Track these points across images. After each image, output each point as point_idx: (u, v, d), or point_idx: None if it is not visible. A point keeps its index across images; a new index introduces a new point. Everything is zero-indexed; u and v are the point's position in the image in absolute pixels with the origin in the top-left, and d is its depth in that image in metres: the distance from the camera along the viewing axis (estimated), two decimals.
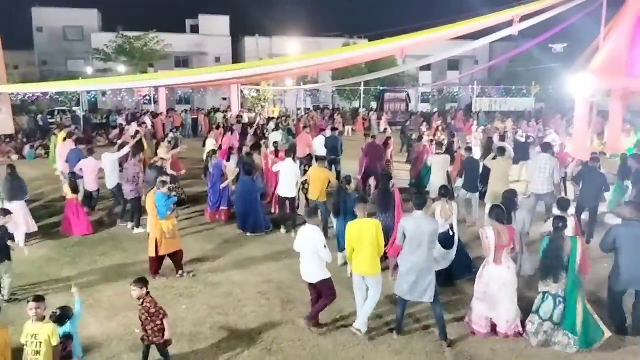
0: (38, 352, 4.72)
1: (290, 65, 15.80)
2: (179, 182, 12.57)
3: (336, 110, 36.58)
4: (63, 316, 5.04)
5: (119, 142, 14.17)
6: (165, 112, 27.78)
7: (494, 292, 6.17)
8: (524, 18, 14.28)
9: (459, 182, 11.82)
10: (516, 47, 26.39)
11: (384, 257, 7.13)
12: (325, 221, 9.63)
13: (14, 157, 19.83)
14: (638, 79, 14.05)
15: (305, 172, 11.93)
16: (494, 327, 6.32)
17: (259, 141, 13.99)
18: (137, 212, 10.59)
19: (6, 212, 7.41)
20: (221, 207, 11.32)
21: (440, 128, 20.34)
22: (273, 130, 17.73)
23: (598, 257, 7.83)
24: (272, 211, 11.60)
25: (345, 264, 7.76)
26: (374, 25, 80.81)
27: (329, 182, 9.72)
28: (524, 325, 6.27)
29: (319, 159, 11.09)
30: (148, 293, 5.34)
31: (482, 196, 10.95)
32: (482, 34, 15.77)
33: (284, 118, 25.07)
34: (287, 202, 10.55)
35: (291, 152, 11.21)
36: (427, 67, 46.69)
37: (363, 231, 6.19)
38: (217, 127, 18.81)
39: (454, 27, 13.62)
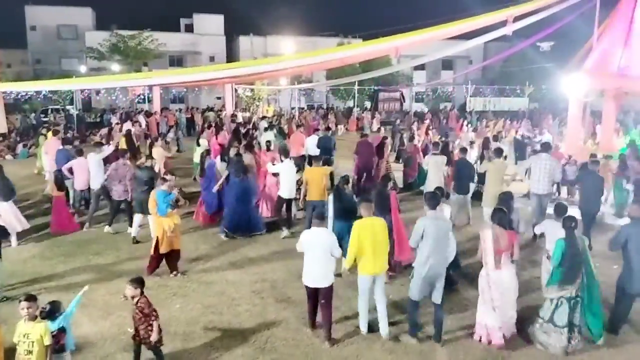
0: (30, 352, 4.69)
1: (284, 65, 15.82)
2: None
3: (330, 110, 36.61)
4: (53, 311, 5.01)
5: (112, 142, 14.10)
6: (160, 111, 27.75)
7: (495, 298, 6.05)
8: (517, 18, 14.35)
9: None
10: (510, 47, 26.51)
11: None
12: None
13: (8, 156, 19.72)
14: (631, 79, 14.14)
15: (298, 170, 11.76)
16: (490, 335, 6.14)
17: (251, 141, 13.73)
18: (128, 212, 10.37)
19: None
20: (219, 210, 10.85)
21: (429, 127, 20.41)
22: (265, 130, 17.63)
23: (601, 258, 7.84)
24: (261, 212, 11.28)
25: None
26: (368, 25, 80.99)
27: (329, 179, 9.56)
28: (519, 330, 6.22)
29: (313, 159, 11.00)
30: (142, 293, 5.33)
31: (479, 197, 10.90)
32: (476, 33, 15.84)
33: (274, 117, 25.05)
34: (287, 203, 10.42)
35: (287, 153, 11.04)
36: (421, 67, 46.92)
37: (375, 230, 6.11)
38: (209, 127, 18.66)
39: (448, 26, 13.68)
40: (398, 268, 8.05)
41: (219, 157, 12.09)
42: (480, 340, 6.19)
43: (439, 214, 6.14)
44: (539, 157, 10.37)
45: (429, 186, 10.71)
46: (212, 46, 46.77)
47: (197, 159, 14.55)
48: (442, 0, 40.83)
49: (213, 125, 19.22)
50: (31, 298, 4.84)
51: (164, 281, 7.97)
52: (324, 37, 46.46)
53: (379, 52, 18.94)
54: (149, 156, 11.45)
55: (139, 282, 5.31)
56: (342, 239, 7.21)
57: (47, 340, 4.72)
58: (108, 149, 11.32)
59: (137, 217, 9.84)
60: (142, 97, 33.74)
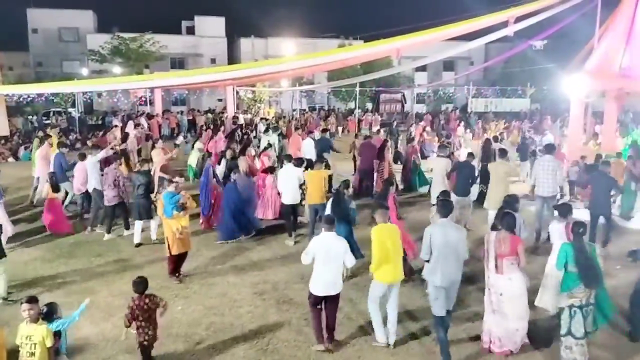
0: (33, 354, 4.69)
1: (285, 66, 15.82)
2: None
3: (331, 111, 36.60)
4: (50, 312, 5.01)
5: (108, 144, 14.00)
6: (161, 113, 27.76)
7: (494, 301, 5.94)
8: (519, 19, 14.33)
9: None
10: (511, 48, 26.48)
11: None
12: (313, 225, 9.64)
13: (10, 158, 19.75)
14: (632, 80, 14.10)
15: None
16: (493, 342, 6.02)
17: (246, 146, 13.42)
18: (123, 216, 10.36)
19: None
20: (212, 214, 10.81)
21: (425, 129, 20.36)
22: (264, 132, 17.56)
23: (603, 258, 7.75)
24: (261, 215, 11.26)
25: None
26: (369, 26, 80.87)
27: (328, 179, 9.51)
28: (531, 339, 6.11)
29: (313, 163, 10.89)
30: (142, 293, 5.34)
31: (482, 198, 10.78)
32: (477, 34, 15.82)
33: (273, 119, 25.04)
34: (292, 209, 10.20)
35: (290, 157, 10.84)
36: (422, 68, 46.81)
37: (392, 236, 6.00)
38: (207, 129, 18.57)
39: (449, 28, 13.65)
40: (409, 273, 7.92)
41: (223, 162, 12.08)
42: (486, 347, 6.08)
43: (450, 222, 5.96)
44: (543, 159, 10.17)
45: (435, 189, 10.64)
46: (214, 48, 46.73)
47: (191, 161, 14.53)
48: (443, 2, 40.79)
49: (211, 127, 19.13)
50: (33, 300, 4.84)
51: (165, 283, 7.97)
52: (325, 39, 46.40)
53: (380, 54, 18.92)
54: (144, 160, 11.28)
55: (142, 284, 5.41)
56: None
57: (49, 342, 4.73)
58: (102, 152, 11.22)
59: (138, 224, 9.76)
60: (144, 99, 33.72)
